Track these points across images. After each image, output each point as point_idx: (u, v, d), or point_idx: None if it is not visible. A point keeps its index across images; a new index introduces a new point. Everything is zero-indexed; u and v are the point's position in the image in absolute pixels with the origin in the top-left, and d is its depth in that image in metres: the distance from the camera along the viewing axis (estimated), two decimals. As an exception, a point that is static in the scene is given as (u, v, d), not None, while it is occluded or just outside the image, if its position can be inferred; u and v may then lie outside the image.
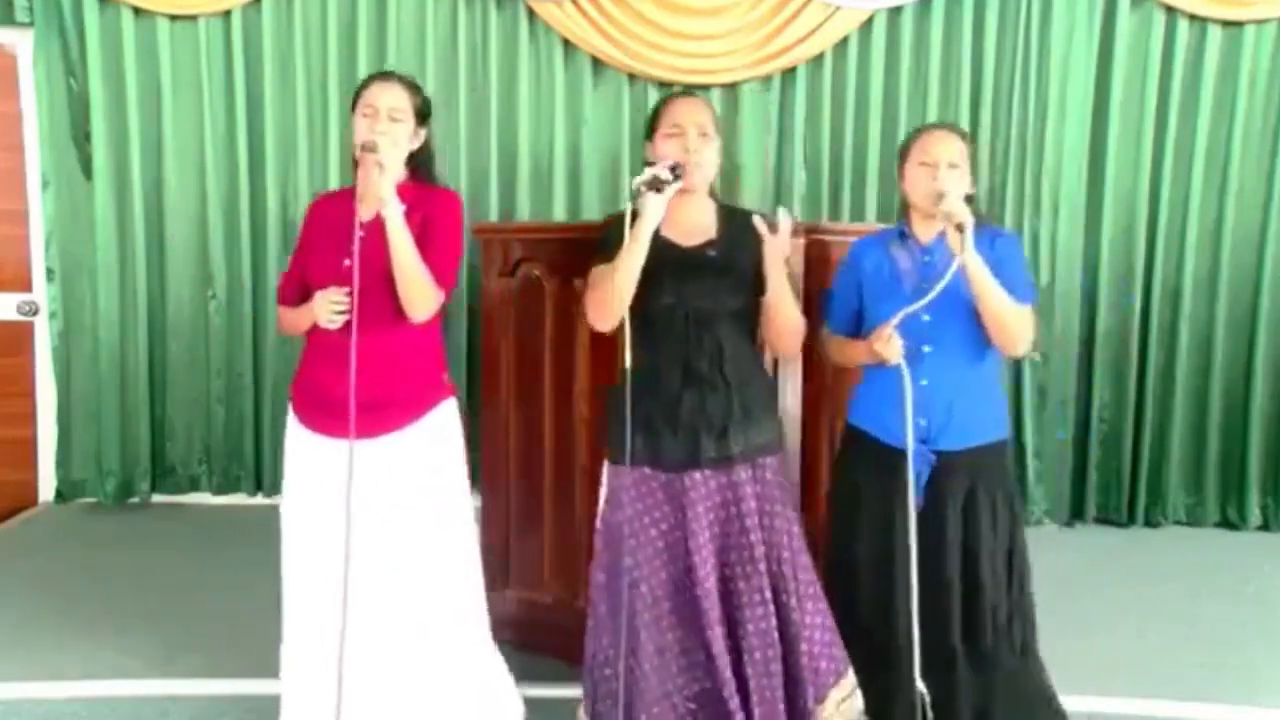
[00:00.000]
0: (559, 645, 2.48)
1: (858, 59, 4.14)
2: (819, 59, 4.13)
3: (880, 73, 4.12)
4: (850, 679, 2.16)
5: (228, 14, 4.09)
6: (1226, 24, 4.05)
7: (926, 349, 2.14)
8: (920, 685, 2.10)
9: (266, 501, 4.23)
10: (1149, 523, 4.21)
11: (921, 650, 2.12)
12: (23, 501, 4.27)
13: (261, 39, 4.09)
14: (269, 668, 2.65)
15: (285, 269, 2.33)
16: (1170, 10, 4.05)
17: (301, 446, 2.18)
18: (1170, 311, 4.16)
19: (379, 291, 2.06)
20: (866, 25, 4.10)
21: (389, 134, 2.08)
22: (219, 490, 4.27)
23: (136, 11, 4.06)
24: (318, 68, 4.11)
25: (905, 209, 2.28)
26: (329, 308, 2.08)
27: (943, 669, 2.14)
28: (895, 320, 2.10)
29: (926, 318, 2.11)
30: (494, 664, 2.30)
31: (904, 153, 2.26)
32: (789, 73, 4.15)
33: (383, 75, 2.23)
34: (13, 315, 4.25)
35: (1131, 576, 3.65)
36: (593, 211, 4.16)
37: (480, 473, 3.16)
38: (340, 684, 2.06)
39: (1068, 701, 2.63)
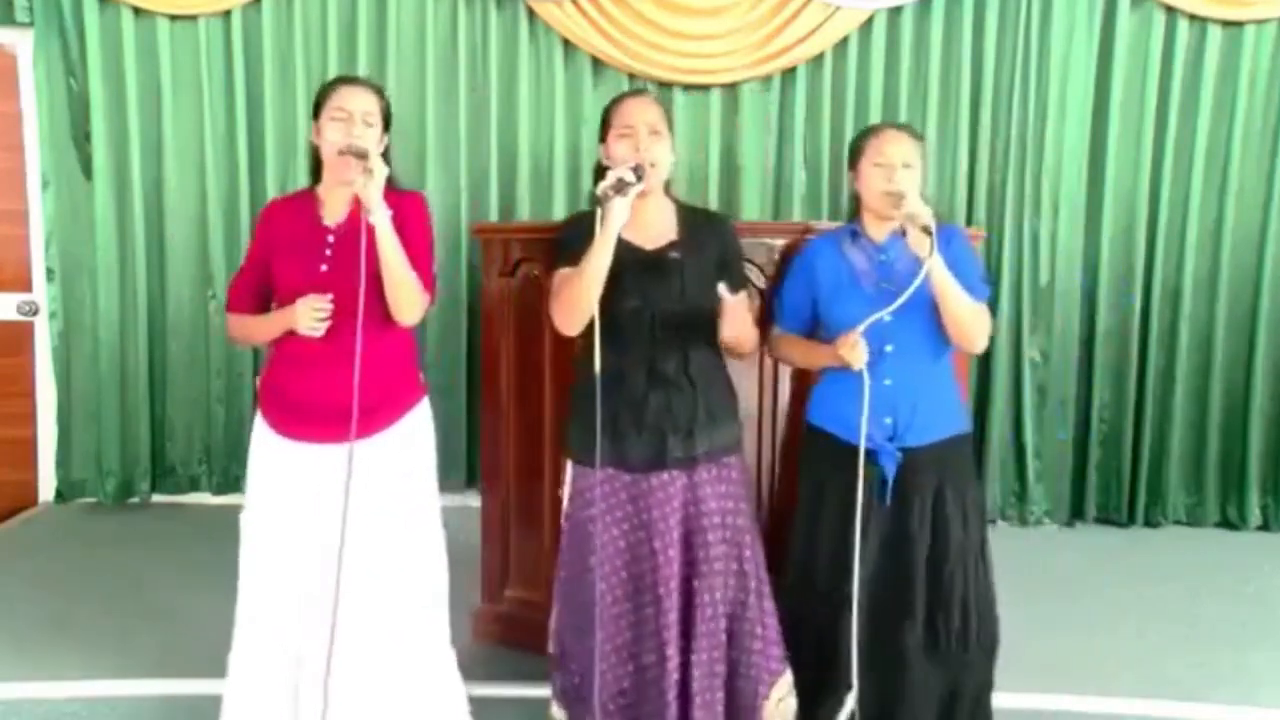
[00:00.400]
0: (559, 645, 2.48)
1: (858, 59, 4.14)
2: (819, 59, 4.13)
3: (880, 73, 4.12)
4: (789, 678, 2.18)
5: (228, 14, 4.09)
6: (1226, 24, 4.05)
7: (889, 348, 2.14)
8: (852, 702, 2.11)
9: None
10: (1149, 523, 4.21)
11: (882, 648, 2.14)
12: (23, 501, 4.27)
13: (261, 39, 4.09)
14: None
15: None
16: (1170, 10, 4.05)
17: (274, 453, 2.16)
18: (1170, 311, 4.16)
19: (357, 296, 2.05)
20: (866, 25, 4.10)
21: (364, 138, 2.07)
22: (219, 490, 4.27)
23: (136, 11, 4.06)
24: (318, 68, 4.11)
25: (855, 208, 2.28)
26: (311, 315, 2.06)
27: (901, 667, 2.15)
28: (862, 327, 2.09)
29: (888, 318, 2.11)
30: (453, 671, 2.30)
31: (856, 152, 2.25)
32: (789, 73, 4.15)
33: (350, 79, 2.21)
34: (13, 315, 4.25)
35: (1131, 576, 3.65)
36: (592, 211, 4.17)
37: (480, 473, 3.17)
38: (326, 691, 2.06)
39: (1069, 702, 2.65)
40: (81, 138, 4.13)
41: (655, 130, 2.12)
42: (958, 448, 2.23)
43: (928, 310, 2.12)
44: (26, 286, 4.26)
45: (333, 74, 4.05)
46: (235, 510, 2.28)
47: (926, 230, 2.03)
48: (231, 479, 4.26)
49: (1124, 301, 4.15)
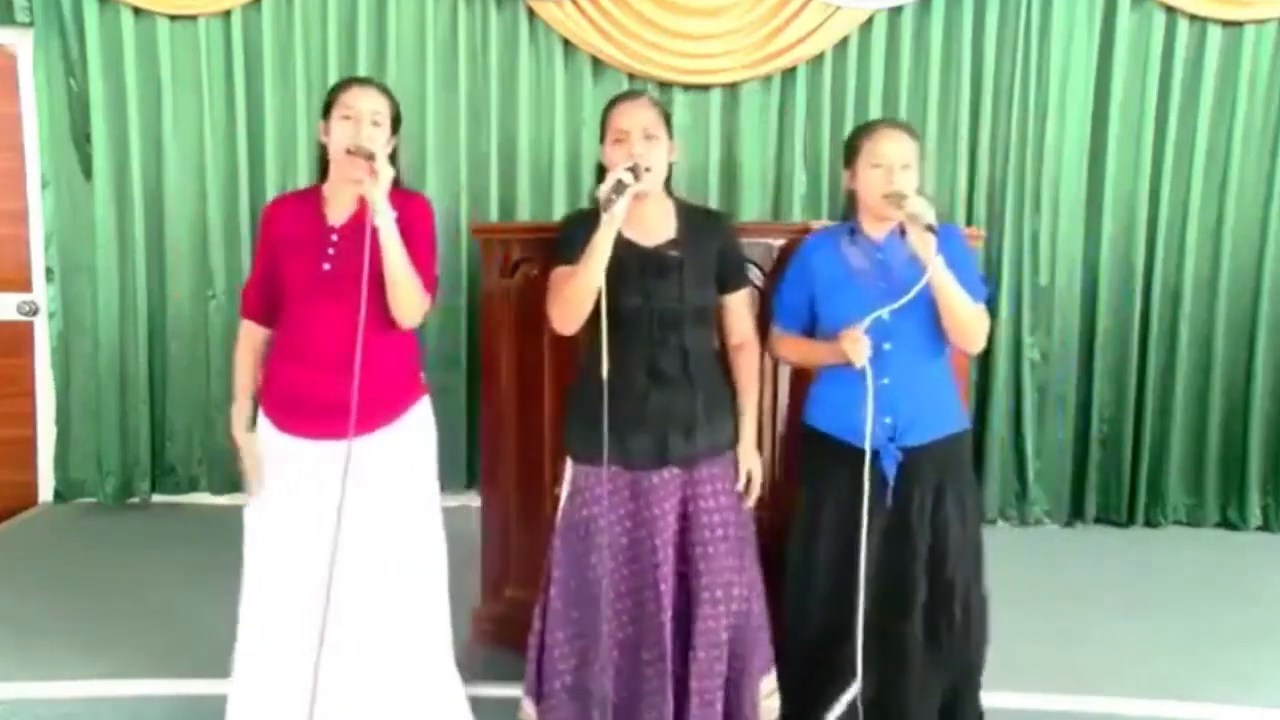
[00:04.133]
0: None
1: (858, 59, 4.13)
2: (819, 59, 4.13)
3: (880, 73, 4.12)
4: (774, 676, 2.20)
5: (228, 14, 4.09)
6: (1226, 24, 4.05)
7: (887, 346, 2.14)
8: (854, 692, 2.11)
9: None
10: (1149, 523, 4.21)
11: (883, 647, 2.14)
12: (23, 501, 4.27)
13: (261, 39, 4.09)
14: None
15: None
16: (1170, 10, 4.04)
17: (276, 450, 2.17)
18: (1170, 311, 4.16)
19: (359, 294, 2.05)
20: (866, 25, 4.10)
21: (373, 139, 2.08)
22: (219, 490, 4.27)
23: (136, 11, 4.06)
24: (318, 68, 4.11)
25: (852, 206, 2.28)
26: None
27: (902, 665, 2.15)
28: (866, 322, 2.10)
29: (886, 316, 2.11)
30: (453, 676, 2.30)
31: (852, 151, 2.23)
32: (789, 73, 4.15)
33: (361, 80, 2.23)
34: (13, 315, 4.25)
35: (1131, 576, 3.65)
36: (592, 211, 4.17)
37: (480, 473, 3.16)
38: (315, 686, 2.06)
39: (1069, 702, 2.65)
40: (81, 138, 4.12)
41: (650, 134, 2.11)
42: (957, 446, 2.24)
43: (925, 309, 2.12)
44: (26, 286, 4.26)
45: (333, 74, 4.06)
46: (235, 510, 2.29)
47: (930, 229, 2.03)
48: (232, 479, 4.25)
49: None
